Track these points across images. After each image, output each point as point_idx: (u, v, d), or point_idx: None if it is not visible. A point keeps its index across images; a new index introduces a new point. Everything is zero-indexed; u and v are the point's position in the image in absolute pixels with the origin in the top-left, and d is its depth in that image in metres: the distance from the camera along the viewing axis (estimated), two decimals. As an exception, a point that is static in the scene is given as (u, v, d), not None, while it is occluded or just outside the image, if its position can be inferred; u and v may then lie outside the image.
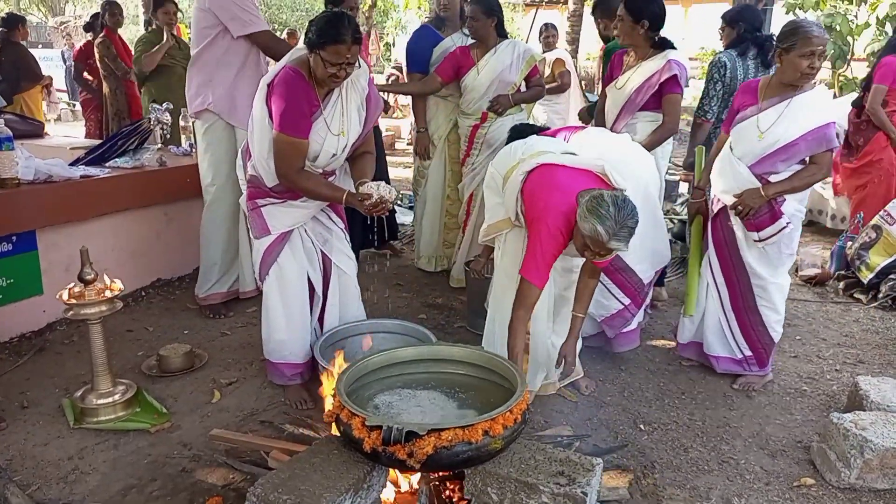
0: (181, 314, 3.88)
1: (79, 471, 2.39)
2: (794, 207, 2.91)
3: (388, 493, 2.07)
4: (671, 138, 3.57)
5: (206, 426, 2.68)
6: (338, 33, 2.45)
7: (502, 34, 4.04)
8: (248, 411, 2.81)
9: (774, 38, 3.06)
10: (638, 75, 3.47)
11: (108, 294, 2.66)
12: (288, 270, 2.86)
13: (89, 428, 2.65)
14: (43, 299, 3.47)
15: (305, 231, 2.89)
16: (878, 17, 9.98)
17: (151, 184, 4.00)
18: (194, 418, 2.76)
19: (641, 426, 2.74)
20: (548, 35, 6.80)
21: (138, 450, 2.53)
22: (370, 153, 2.92)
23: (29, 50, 7.17)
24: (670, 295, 4.32)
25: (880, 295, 4.24)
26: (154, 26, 5.57)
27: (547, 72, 6.12)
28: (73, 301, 2.59)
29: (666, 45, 3.47)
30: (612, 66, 3.70)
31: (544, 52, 6.46)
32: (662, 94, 3.42)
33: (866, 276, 4.35)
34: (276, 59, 3.07)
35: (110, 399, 2.73)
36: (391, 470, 2.00)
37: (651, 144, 3.42)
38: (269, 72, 2.69)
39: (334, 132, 2.67)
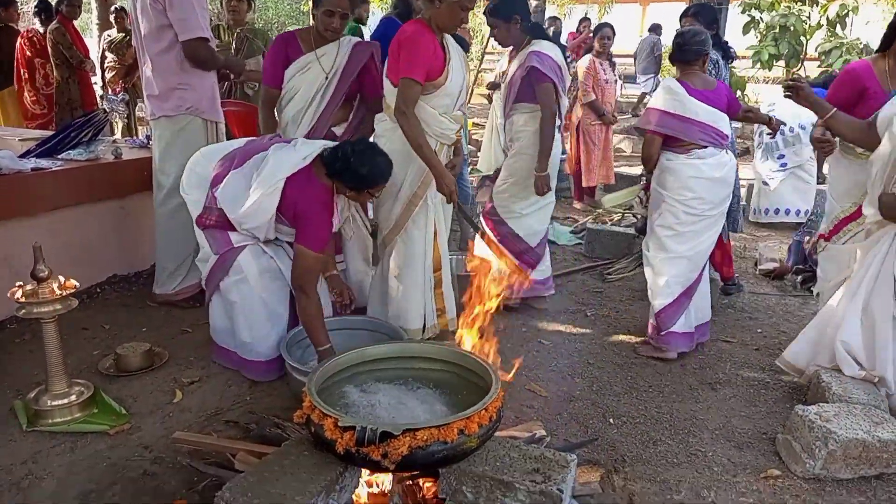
0: (139, 311, 3.75)
1: (33, 475, 2.28)
2: None
3: (361, 493, 2.03)
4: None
5: (167, 427, 2.59)
6: None
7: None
8: (212, 411, 2.73)
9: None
10: (512, 68, 3.63)
11: (62, 292, 2.54)
12: (249, 270, 2.82)
13: (44, 430, 2.53)
14: (-9, 297, 3.31)
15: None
16: (828, 18, 10.31)
17: (106, 177, 3.86)
18: (155, 419, 2.67)
19: (611, 420, 2.76)
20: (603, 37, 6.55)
21: (96, 453, 2.43)
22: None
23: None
24: (634, 290, 4.36)
25: None
26: None
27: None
28: (26, 300, 2.47)
29: (537, 35, 3.59)
30: None
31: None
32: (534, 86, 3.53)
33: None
34: (204, 69, 3.41)
35: (66, 400, 2.62)
36: (364, 470, 1.96)
37: (542, 141, 3.52)
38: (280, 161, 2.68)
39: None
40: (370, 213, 3.65)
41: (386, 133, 3.06)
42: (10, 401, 2.73)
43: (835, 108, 2.81)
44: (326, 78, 3.20)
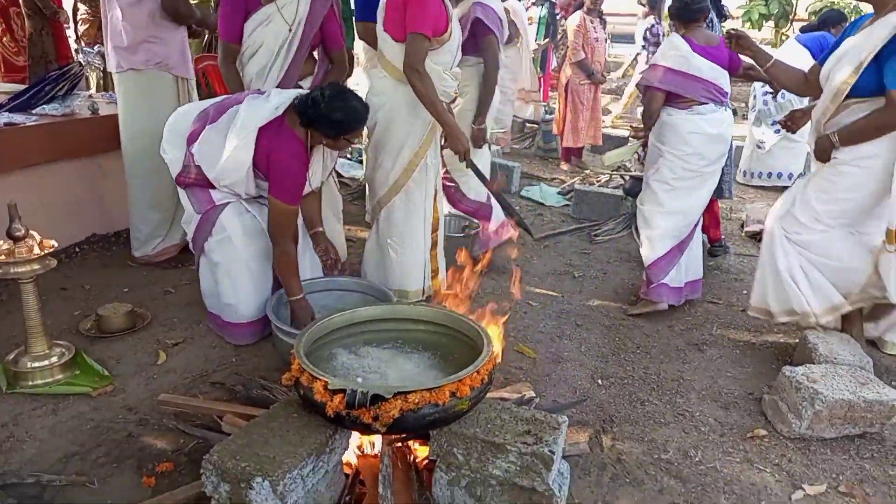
0: (119, 271, 3.67)
1: (14, 438, 2.24)
2: None
3: (351, 454, 2.01)
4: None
5: (151, 389, 2.55)
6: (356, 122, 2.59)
7: None
8: (197, 373, 2.69)
9: None
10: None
11: (41, 251, 2.46)
12: (231, 231, 2.75)
13: (24, 393, 2.48)
14: (-34, 256, 3.22)
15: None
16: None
17: (83, 133, 3.73)
18: (139, 381, 2.62)
19: (599, 381, 2.76)
20: None
21: (79, 415, 2.39)
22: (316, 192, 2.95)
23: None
24: (621, 251, 4.35)
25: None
26: None
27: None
28: (3, 259, 2.39)
29: None
30: None
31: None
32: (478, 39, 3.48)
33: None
34: (179, 23, 3.32)
35: (46, 362, 2.57)
36: (354, 432, 1.94)
37: (485, 94, 3.53)
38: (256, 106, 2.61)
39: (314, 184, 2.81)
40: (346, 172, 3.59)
41: (386, 91, 2.95)
42: (-12, 363, 2.66)
43: (775, 58, 2.90)
44: (290, 30, 3.03)
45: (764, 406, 2.58)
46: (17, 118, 3.46)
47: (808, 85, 2.86)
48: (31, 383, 2.52)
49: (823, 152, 2.70)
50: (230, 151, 2.57)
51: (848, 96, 2.58)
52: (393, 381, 1.99)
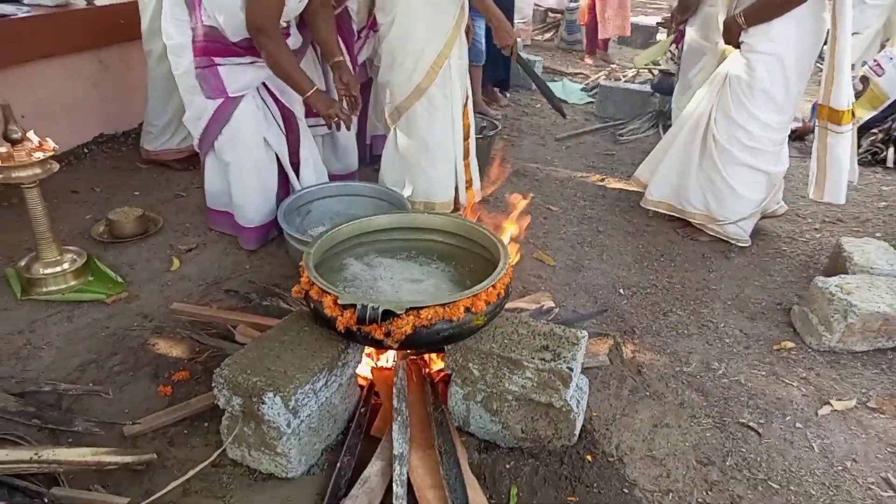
0: (130, 173, 3.59)
1: (31, 345, 2.24)
2: None
3: (365, 367, 1.98)
4: None
5: (166, 296, 2.52)
6: None
7: None
8: (211, 279, 2.65)
9: None
10: None
11: (40, 155, 2.37)
12: (244, 131, 2.62)
13: (38, 299, 2.46)
14: (-29, 158, 3.14)
15: (263, 85, 2.62)
16: None
17: (79, 25, 3.54)
18: (153, 287, 2.59)
19: (621, 290, 2.68)
20: None
21: (95, 322, 2.37)
22: (328, 7, 2.64)
23: None
24: (647, 152, 4.15)
25: (860, 150, 4.13)
26: None
27: None
28: (2, 163, 2.30)
29: None
30: None
31: None
32: None
33: (848, 131, 4.22)
34: None
35: (59, 268, 2.53)
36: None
37: None
38: None
39: None
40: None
41: None
42: (2, 269, 2.64)
43: None
44: None
45: (792, 317, 2.49)
46: (8, 8, 3.26)
47: None
48: (44, 290, 2.50)
49: (731, 35, 2.69)
50: None
51: None
52: (406, 293, 1.92)
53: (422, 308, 1.64)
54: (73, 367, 2.14)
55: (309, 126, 2.94)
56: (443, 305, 1.66)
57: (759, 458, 1.85)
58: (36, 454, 1.53)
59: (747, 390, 2.13)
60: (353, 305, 1.64)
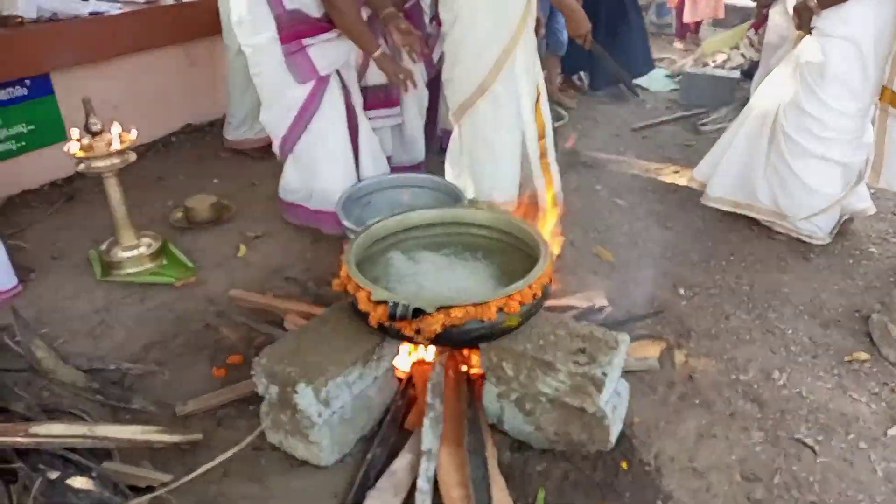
0: (212, 162, 3.78)
1: (105, 324, 2.41)
2: None
3: (404, 361, 2.00)
4: None
5: (231, 281, 2.64)
6: None
7: None
8: (274, 267, 2.75)
9: None
10: None
11: (118, 146, 2.52)
12: (333, 113, 2.72)
13: (116, 281, 2.64)
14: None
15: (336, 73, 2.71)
16: None
17: (168, 20, 3.74)
18: (220, 273, 2.72)
19: (681, 290, 2.56)
20: None
21: (163, 304, 2.52)
22: None
23: None
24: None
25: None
26: None
27: None
28: (83, 154, 2.48)
29: None
30: None
31: None
32: None
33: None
34: None
35: (136, 252, 2.71)
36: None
37: None
38: None
39: None
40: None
41: None
42: (87, 250, 2.84)
43: None
44: None
45: (871, 326, 2.30)
46: (102, 6, 3.49)
47: None
48: (122, 272, 2.67)
49: (803, 20, 2.58)
50: None
51: None
52: (446, 289, 1.91)
53: (451, 307, 1.64)
54: (138, 346, 2.28)
55: (379, 117, 2.98)
56: (474, 305, 1.65)
57: (811, 478, 1.74)
58: (89, 430, 1.65)
59: (808, 403, 1.99)
60: (386, 302, 1.66)
